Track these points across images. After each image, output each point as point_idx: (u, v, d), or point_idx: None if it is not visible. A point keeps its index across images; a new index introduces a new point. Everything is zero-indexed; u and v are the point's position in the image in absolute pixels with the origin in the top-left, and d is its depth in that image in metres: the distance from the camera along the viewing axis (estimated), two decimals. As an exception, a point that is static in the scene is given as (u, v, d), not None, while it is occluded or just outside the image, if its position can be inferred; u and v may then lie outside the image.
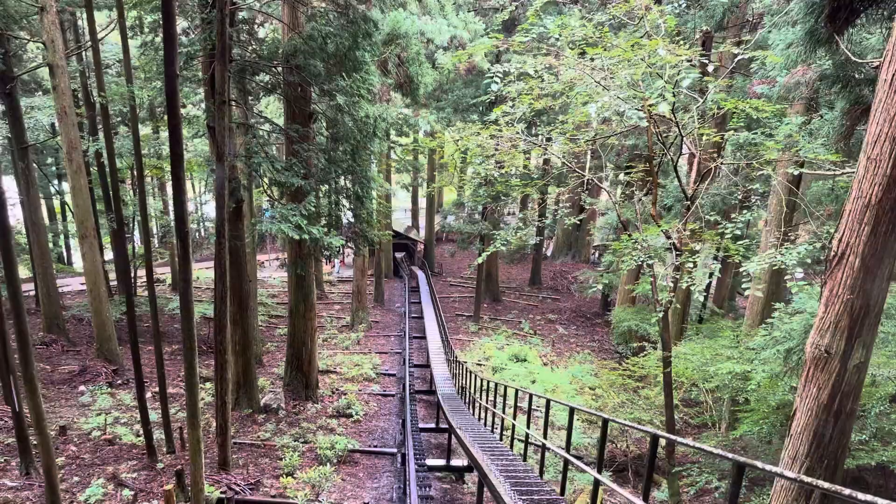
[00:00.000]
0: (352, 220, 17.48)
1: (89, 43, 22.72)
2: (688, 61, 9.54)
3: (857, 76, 9.50)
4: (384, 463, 15.91)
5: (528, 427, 10.44)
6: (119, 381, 20.09)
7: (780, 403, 12.31)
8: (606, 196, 49.04)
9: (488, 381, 15.36)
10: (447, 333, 26.89)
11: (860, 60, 8.72)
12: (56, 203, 41.70)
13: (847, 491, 3.60)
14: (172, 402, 17.33)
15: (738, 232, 11.62)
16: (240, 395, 17.74)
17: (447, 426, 15.89)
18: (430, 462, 14.77)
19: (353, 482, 14.47)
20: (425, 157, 49.68)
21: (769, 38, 11.69)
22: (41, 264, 22.55)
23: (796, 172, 11.01)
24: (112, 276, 29.24)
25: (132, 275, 28.46)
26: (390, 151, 35.42)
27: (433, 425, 18.15)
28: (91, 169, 26.81)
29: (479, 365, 26.28)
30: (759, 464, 4.05)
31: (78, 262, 40.51)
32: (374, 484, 14.57)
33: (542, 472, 9.28)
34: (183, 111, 34.19)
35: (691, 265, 10.83)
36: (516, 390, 12.14)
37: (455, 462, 15.42)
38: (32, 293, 26.96)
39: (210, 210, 51.83)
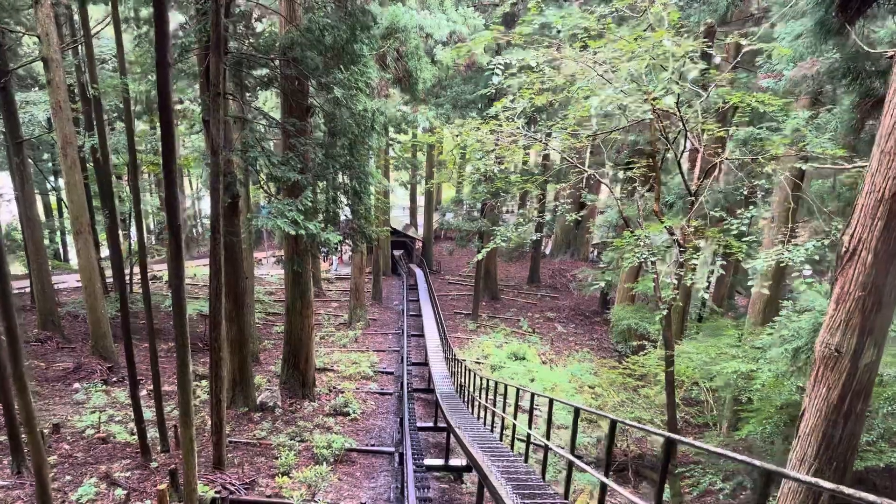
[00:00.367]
0: (349, 216, 17.28)
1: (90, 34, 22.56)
2: (693, 53, 9.33)
3: (868, 68, 9.30)
4: (382, 462, 15.70)
5: (530, 427, 10.19)
6: (114, 379, 19.86)
7: (785, 403, 12.13)
8: (606, 194, 49.03)
9: (487, 380, 15.15)
10: (445, 331, 26.70)
11: (873, 51, 8.51)
12: (52, 199, 41.46)
13: (871, 497, 3.40)
14: (168, 399, 17.09)
15: (744, 228, 11.42)
16: (236, 393, 17.53)
17: (445, 425, 15.69)
18: (429, 462, 14.56)
19: (349, 482, 14.26)
20: (423, 155, 49.45)
21: (775, 32, 11.51)
22: (36, 260, 22.33)
23: (804, 167, 10.78)
24: (109, 272, 29.01)
25: (129, 271, 28.24)
26: (389, 149, 35.23)
27: (431, 424, 17.96)
28: (87, 165, 26.56)
29: (478, 363, 26.09)
30: (790, 472, 3.80)
31: (75, 259, 40.31)
32: (372, 484, 14.37)
33: (544, 474, 9.05)
34: (179, 107, 34.06)
35: (695, 262, 10.62)
36: (517, 389, 11.90)
37: (454, 462, 15.21)
38: (28, 290, 26.71)
39: (206, 206, 51.51)
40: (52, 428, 15.15)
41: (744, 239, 11.46)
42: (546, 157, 40.92)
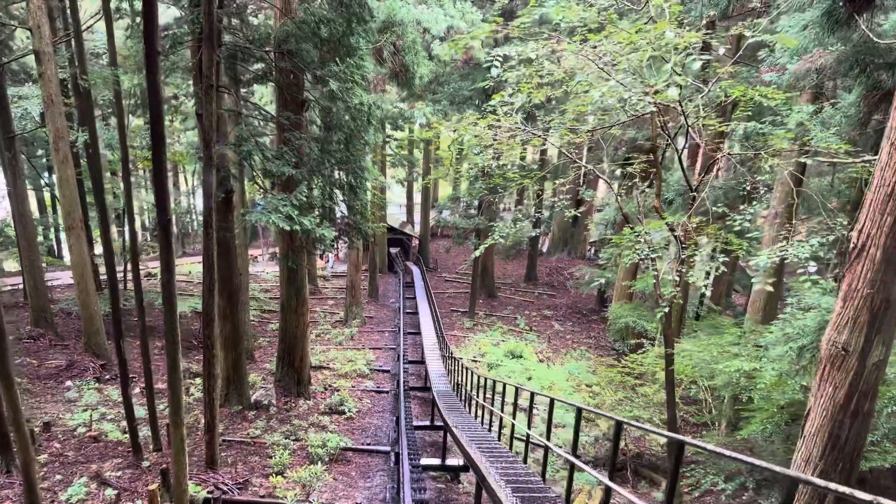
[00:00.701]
0: (345, 212, 17.07)
1: (84, 28, 22.27)
2: (696, 45, 9.13)
3: (876, 60, 9.12)
4: (377, 462, 15.51)
5: (529, 427, 9.98)
6: (107, 377, 19.63)
7: (787, 403, 11.96)
8: (603, 191, 48.96)
9: (485, 379, 14.96)
10: (442, 329, 26.50)
11: (884, 41, 8.33)
12: (47, 195, 41.14)
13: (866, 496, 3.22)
14: (161, 397, 16.83)
15: (748, 224, 11.24)
16: (230, 391, 17.32)
17: (442, 424, 15.50)
18: (425, 461, 14.36)
19: (345, 481, 14.07)
20: (420, 152, 49.24)
21: (778, 26, 11.31)
22: (28, 257, 22.14)
23: (810, 161, 10.61)
24: (103, 269, 28.77)
25: (123, 268, 28.00)
26: (385, 146, 35.01)
27: (428, 423, 17.77)
28: (81, 161, 26.28)
29: (475, 361, 25.92)
30: (818, 481, 3.57)
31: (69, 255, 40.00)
32: (367, 483, 14.17)
33: (544, 476, 8.83)
34: (175, 102, 33.84)
35: (697, 259, 10.43)
36: (516, 388, 11.70)
37: (451, 461, 15.01)
38: (22, 286, 26.49)
39: (201, 202, 51.12)
40: (42, 426, 14.94)
41: (747, 235, 11.27)
42: (543, 153, 40.78)
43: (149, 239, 41.62)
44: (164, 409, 16.36)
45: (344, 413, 18.26)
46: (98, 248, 29.97)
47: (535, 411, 20.98)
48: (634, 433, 18.31)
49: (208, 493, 11.86)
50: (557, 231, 49.66)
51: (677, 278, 11.01)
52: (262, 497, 12.51)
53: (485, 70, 16.22)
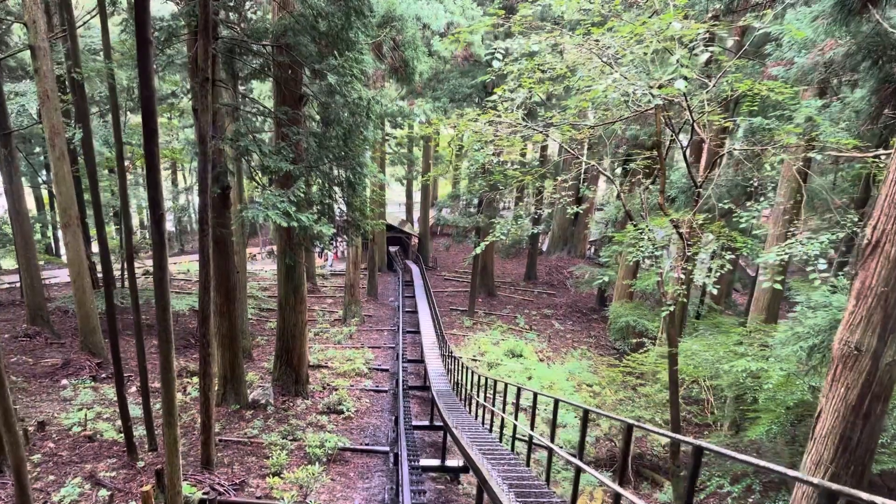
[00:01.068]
0: (344, 209, 16.87)
1: (77, 24, 22.04)
2: (703, 37, 8.92)
3: (889, 52, 8.90)
4: (376, 462, 15.30)
5: (532, 428, 9.74)
6: (103, 375, 19.43)
7: (795, 404, 11.76)
8: (603, 189, 48.80)
9: (486, 378, 14.76)
10: (442, 328, 26.30)
11: (897, 31, 8.14)
12: (45, 193, 40.89)
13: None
14: (157, 396, 16.65)
15: (754, 221, 11.04)
16: (227, 389, 17.12)
17: (442, 424, 15.30)
18: (424, 462, 14.14)
19: (343, 482, 13.86)
20: (420, 150, 49.08)
21: (785, 20, 11.11)
22: (25, 255, 21.95)
23: (818, 157, 10.41)
24: (100, 267, 28.58)
25: (120, 265, 27.77)
26: (385, 144, 34.80)
27: (427, 423, 17.56)
28: (79, 158, 26.05)
29: (474, 360, 25.72)
30: (863, 495, 3.32)
31: (67, 253, 39.70)
32: (366, 484, 13.96)
33: (548, 479, 8.59)
34: (174, 100, 33.58)
35: (705, 256, 10.23)
36: (518, 388, 11.47)
37: (450, 462, 14.79)
38: (19, 284, 26.31)
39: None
40: (37, 425, 14.76)
41: (754, 233, 11.08)
42: (544, 150, 40.57)
43: (146, 236, 41.32)
44: (159, 408, 16.16)
45: (342, 412, 18.05)
46: (96, 246, 29.73)
47: (535, 411, 20.80)
48: (636, 433, 18.09)
49: (204, 494, 11.66)
50: (557, 230, 49.49)
51: (683, 276, 10.81)
52: (259, 498, 12.31)
53: (485, 67, 16.09)
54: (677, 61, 8.53)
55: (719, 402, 18.60)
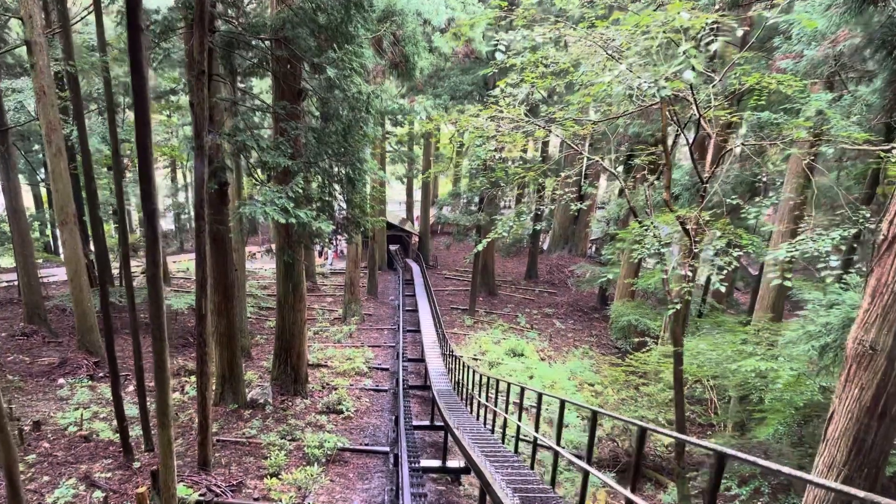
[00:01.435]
0: (344, 207, 16.66)
1: (74, 20, 21.85)
2: (714, 24, 8.70)
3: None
4: (376, 462, 15.09)
5: (537, 430, 9.50)
6: (100, 374, 19.23)
7: (803, 404, 11.53)
8: (604, 188, 48.60)
9: (488, 378, 14.55)
10: (442, 327, 26.09)
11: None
12: (43, 191, 40.70)
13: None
14: (154, 396, 16.46)
15: (763, 217, 10.82)
16: (225, 389, 16.92)
17: (443, 424, 15.10)
18: (425, 463, 13.92)
19: (342, 483, 13.65)
20: (420, 148, 48.87)
21: (793, 10, 10.89)
22: (22, 253, 21.85)
23: (831, 151, 10.20)
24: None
25: (119, 263, 27.60)
26: (385, 142, 34.58)
27: (428, 423, 17.36)
28: (77, 156, 25.84)
29: (475, 359, 25.52)
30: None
31: (67, 252, 39.43)
32: (365, 485, 13.75)
33: (553, 482, 8.34)
34: (173, 98, 33.37)
35: (710, 253, 10.00)
36: (522, 388, 11.24)
37: (451, 463, 14.57)
38: (17, 283, 26.16)
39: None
40: (32, 425, 14.56)
41: (763, 229, 10.86)
42: (545, 147, 40.43)
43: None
44: (156, 407, 15.99)
45: (342, 412, 17.84)
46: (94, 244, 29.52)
47: (535, 410, 20.59)
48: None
49: (200, 495, 11.46)
50: (558, 228, 49.31)
51: (690, 273, 10.59)
52: (257, 500, 12.11)
53: (486, 63, 15.89)
54: (684, 52, 8.31)
55: (722, 401, 18.40)
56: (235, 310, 16.72)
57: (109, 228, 37.66)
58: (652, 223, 11.19)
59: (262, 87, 30.22)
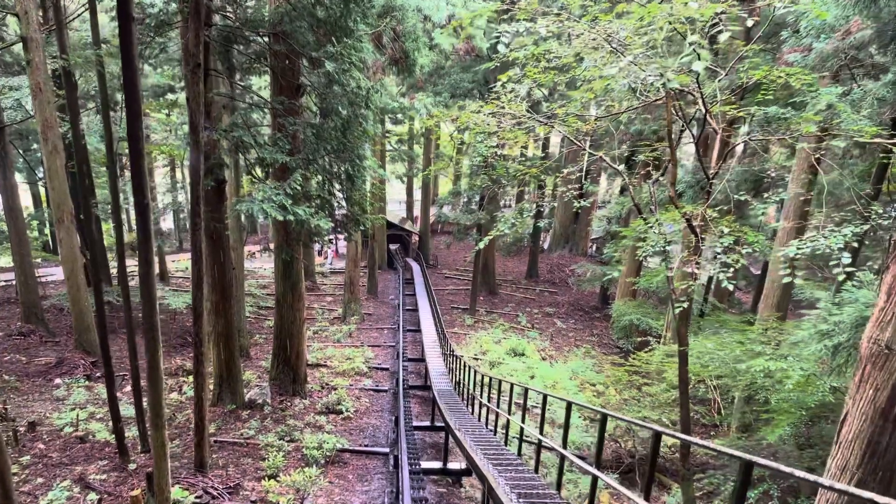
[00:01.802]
0: (343, 204, 16.46)
1: (72, 17, 21.65)
2: (724, 13, 8.48)
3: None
4: (376, 464, 14.88)
5: (542, 432, 9.27)
6: (97, 374, 19.05)
7: (814, 405, 11.30)
8: (605, 187, 48.42)
9: (490, 378, 14.34)
10: (443, 326, 25.89)
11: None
12: (42, 189, 40.55)
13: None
14: (148, 396, 16.26)
15: (762, 217, 10.62)
16: (222, 389, 16.72)
17: (443, 424, 14.89)
18: (426, 465, 13.71)
19: (341, 485, 13.43)
20: (420, 147, 48.72)
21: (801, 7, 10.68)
22: (19, 252, 21.70)
23: (842, 145, 10.00)
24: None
25: (122, 263, 27.43)
26: (385, 141, 34.39)
27: (428, 423, 17.17)
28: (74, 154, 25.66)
29: (476, 359, 25.31)
30: None
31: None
32: (365, 487, 13.53)
33: (559, 486, 8.10)
34: (171, 96, 33.16)
35: (719, 250, 9.78)
36: (526, 389, 11.02)
37: (452, 465, 14.36)
38: (15, 282, 25.99)
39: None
40: (27, 426, 14.37)
41: (771, 225, 10.65)
42: (546, 144, 40.24)
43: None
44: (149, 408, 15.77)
45: (341, 412, 17.64)
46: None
47: (536, 410, 20.38)
48: (642, 434, 17.64)
49: (196, 498, 11.25)
50: (559, 227, 49.15)
51: (696, 271, 10.38)
52: (254, 502, 11.87)
53: (486, 61, 15.67)
54: (690, 45, 8.10)
55: (725, 401, 18.18)
56: (233, 309, 16.52)
57: (109, 227, 37.43)
58: (657, 220, 10.97)
59: (260, 84, 30.06)
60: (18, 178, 35.64)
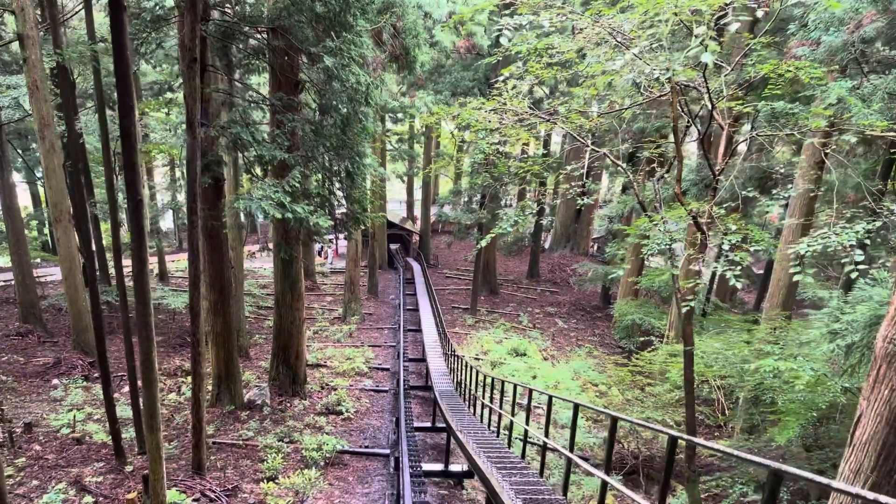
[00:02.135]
0: (343, 202, 16.28)
1: (69, 14, 21.48)
2: (732, 2, 8.30)
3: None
4: (376, 465, 14.70)
5: (547, 434, 9.06)
6: (95, 375, 18.82)
7: (826, 406, 11.10)
8: (605, 187, 48.24)
9: (493, 378, 14.15)
10: (444, 326, 25.70)
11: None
12: (41, 189, 40.40)
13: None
14: (143, 398, 16.07)
15: (766, 216, 10.42)
16: (221, 390, 16.54)
17: (444, 425, 14.71)
18: (427, 467, 13.50)
19: (341, 487, 13.24)
20: (421, 146, 48.56)
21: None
22: (17, 252, 21.57)
23: (852, 140, 9.81)
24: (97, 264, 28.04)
25: (119, 262, 27.25)
26: (385, 141, 34.23)
27: (429, 424, 16.98)
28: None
29: (477, 359, 25.12)
30: None
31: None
32: (365, 489, 13.35)
33: (566, 491, 7.88)
34: (170, 95, 33.01)
35: (726, 248, 9.58)
36: (530, 390, 10.83)
37: (454, 467, 14.16)
38: (13, 282, 25.85)
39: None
40: (24, 427, 14.19)
41: (775, 224, 10.46)
42: (547, 142, 40.07)
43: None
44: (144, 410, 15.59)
45: (341, 413, 17.45)
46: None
47: (539, 411, 20.20)
48: (645, 434, 17.45)
49: (193, 500, 11.08)
50: (560, 227, 48.96)
51: (702, 269, 10.19)
52: (252, 504, 11.71)
53: (487, 58, 15.52)
54: (697, 37, 7.91)
55: (729, 402, 17.98)
56: (232, 309, 16.34)
57: (108, 226, 37.29)
58: (662, 218, 10.78)
59: (259, 82, 29.92)
60: (17, 177, 35.56)
